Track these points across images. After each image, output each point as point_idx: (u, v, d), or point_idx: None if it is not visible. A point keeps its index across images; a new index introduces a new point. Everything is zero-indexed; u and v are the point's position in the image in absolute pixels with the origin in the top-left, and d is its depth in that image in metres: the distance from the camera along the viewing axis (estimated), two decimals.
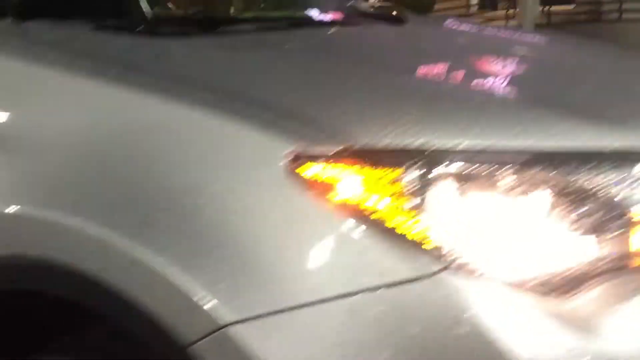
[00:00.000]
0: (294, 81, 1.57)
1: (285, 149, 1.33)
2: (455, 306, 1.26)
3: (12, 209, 1.47)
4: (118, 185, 1.41)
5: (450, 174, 1.33)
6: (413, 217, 1.30)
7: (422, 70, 1.75)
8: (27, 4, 1.86)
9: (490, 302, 1.27)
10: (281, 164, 1.32)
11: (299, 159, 1.32)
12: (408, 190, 1.31)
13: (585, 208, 1.37)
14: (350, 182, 1.32)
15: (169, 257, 1.33)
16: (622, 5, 14.16)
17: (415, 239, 1.29)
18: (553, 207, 1.36)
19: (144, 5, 2.05)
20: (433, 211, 1.31)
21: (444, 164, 1.33)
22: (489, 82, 1.72)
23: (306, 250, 1.31)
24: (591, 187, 1.38)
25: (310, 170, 1.32)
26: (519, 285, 1.30)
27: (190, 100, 1.43)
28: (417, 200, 1.31)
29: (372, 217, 1.30)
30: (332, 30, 2.34)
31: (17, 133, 1.52)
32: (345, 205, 1.31)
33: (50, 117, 1.53)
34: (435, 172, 1.32)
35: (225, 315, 1.29)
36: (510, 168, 1.35)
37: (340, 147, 1.32)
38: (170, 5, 3.18)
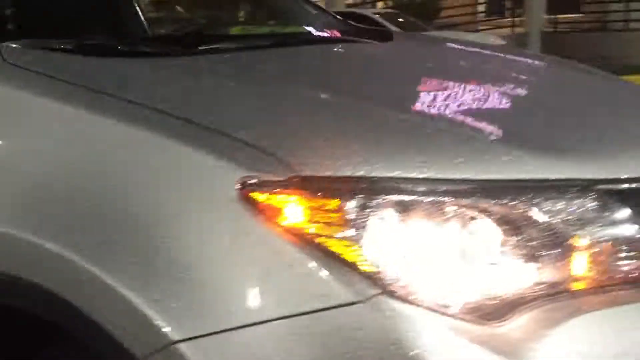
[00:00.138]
0: (251, 107, 1.64)
1: (236, 175, 1.40)
2: (388, 329, 1.33)
3: None
4: (78, 206, 1.49)
5: (390, 203, 1.39)
6: (353, 243, 1.37)
7: (380, 96, 1.81)
8: (3, 25, 1.93)
9: (420, 326, 1.34)
10: (232, 189, 1.39)
11: (248, 185, 1.39)
12: (349, 218, 1.38)
13: (524, 236, 1.43)
14: (295, 208, 1.39)
15: (125, 276, 1.40)
16: (628, 14, 14.18)
17: (355, 264, 1.37)
18: (491, 234, 1.42)
19: (125, 26, 2.10)
20: (372, 238, 1.38)
21: (384, 193, 1.40)
22: (442, 111, 1.77)
23: (252, 272, 1.38)
24: (530, 215, 1.44)
25: (259, 196, 1.39)
26: (451, 310, 1.37)
27: (148, 124, 1.50)
28: (358, 227, 1.38)
29: (316, 242, 1.37)
30: (309, 49, 2.40)
31: None
32: (291, 230, 1.38)
33: (17, 138, 1.61)
34: (375, 201, 1.39)
35: (173, 333, 1.36)
36: (449, 197, 1.42)
37: (287, 176, 1.39)
38: (164, 17, 3.26)
